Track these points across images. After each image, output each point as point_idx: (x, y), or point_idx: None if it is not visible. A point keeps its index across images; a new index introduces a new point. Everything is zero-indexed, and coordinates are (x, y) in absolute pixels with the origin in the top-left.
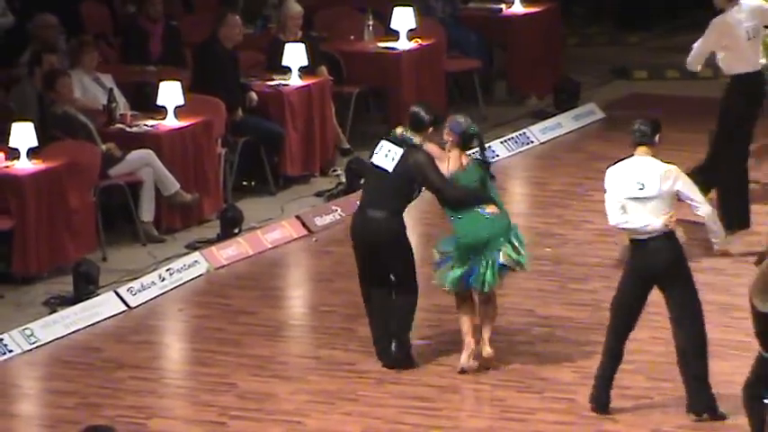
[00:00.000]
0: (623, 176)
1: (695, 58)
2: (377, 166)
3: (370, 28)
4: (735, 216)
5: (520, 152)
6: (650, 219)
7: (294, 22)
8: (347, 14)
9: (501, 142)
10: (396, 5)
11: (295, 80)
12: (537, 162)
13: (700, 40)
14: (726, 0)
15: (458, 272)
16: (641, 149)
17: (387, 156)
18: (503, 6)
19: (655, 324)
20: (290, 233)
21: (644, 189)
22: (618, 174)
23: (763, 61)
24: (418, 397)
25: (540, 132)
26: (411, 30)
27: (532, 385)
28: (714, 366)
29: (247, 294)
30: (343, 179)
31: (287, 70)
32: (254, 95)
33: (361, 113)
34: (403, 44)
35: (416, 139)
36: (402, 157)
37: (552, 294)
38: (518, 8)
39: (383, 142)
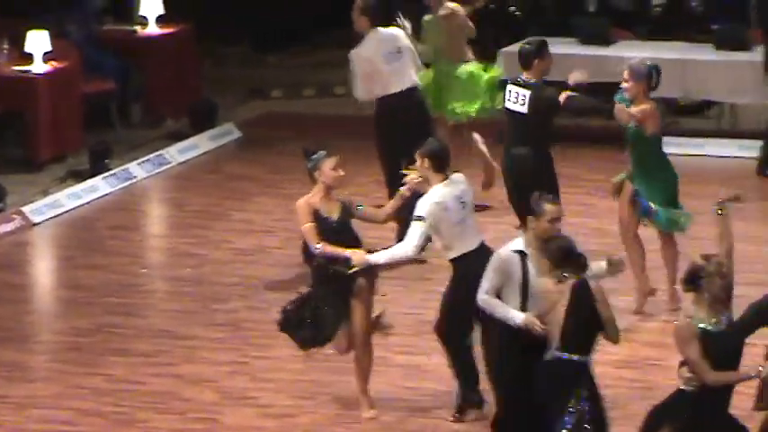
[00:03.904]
0: None
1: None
2: (512, 111)
3: (5, 52)
4: None
5: (158, 173)
6: None
7: None
8: None
9: (138, 164)
10: (30, 29)
11: None
12: (175, 183)
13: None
14: (367, 23)
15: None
16: None
17: (517, 100)
18: (138, 28)
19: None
20: None
21: None
22: None
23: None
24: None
25: (177, 153)
26: (46, 53)
27: (173, 406)
28: (351, 383)
29: None
30: None
31: None
32: None
33: None
34: (38, 67)
35: (530, 77)
36: (531, 97)
37: (193, 315)
38: (153, 29)
39: (510, 87)
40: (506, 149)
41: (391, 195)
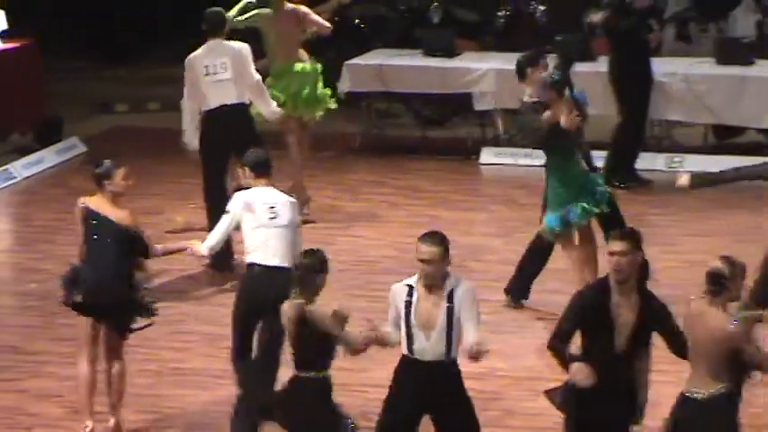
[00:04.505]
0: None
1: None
2: None
3: None
4: None
5: (3, 188)
6: None
7: None
8: None
9: None
10: None
11: None
12: (20, 198)
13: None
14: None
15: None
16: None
17: None
18: None
19: (138, 357)
20: None
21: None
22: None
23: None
24: None
25: (22, 168)
26: None
27: (20, 421)
28: (199, 396)
29: None
30: None
31: None
32: None
33: None
34: None
35: (526, 87)
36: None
37: (38, 330)
38: None
39: None
40: None
41: (208, 209)
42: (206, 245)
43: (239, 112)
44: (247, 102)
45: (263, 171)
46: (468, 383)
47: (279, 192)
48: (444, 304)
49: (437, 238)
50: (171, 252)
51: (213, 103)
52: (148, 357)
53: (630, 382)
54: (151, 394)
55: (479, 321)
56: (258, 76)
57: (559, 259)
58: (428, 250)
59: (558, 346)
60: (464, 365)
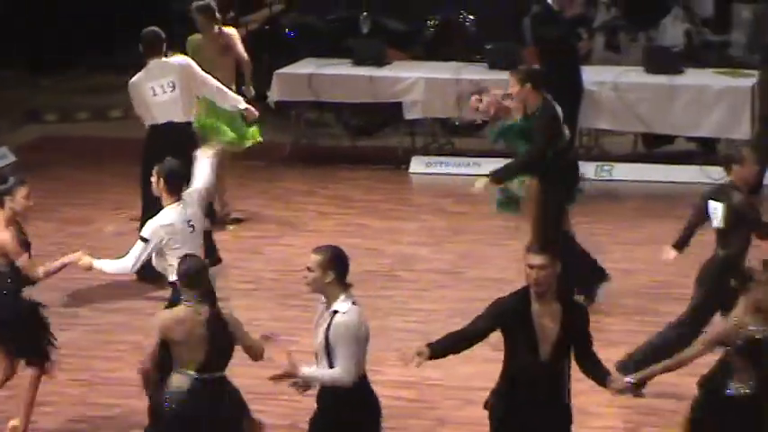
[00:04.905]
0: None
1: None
2: None
3: None
4: None
5: None
6: None
7: None
8: None
9: None
10: None
11: None
12: None
13: None
14: (146, 54)
15: None
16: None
17: None
18: None
19: (69, 367)
20: None
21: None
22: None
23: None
24: None
25: None
26: None
27: None
28: (130, 405)
29: None
30: None
31: None
32: None
33: None
34: None
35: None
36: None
37: None
38: None
39: None
40: None
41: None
42: (100, 263)
43: (185, 131)
44: (192, 120)
45: (176, 184)
46: (400, 392)
47: (186, 201)
48: (324, 327)
49: (322, 249)
50: (53, 272)
51: (161, 119)
52: (80, 367)
53: (560, 389)
54: (82, 403)
55: (345, 361)
56: (212, 80)
57: (490, 269)
58: (310, 257)
59: (448, 335)
60: (396, 375)
